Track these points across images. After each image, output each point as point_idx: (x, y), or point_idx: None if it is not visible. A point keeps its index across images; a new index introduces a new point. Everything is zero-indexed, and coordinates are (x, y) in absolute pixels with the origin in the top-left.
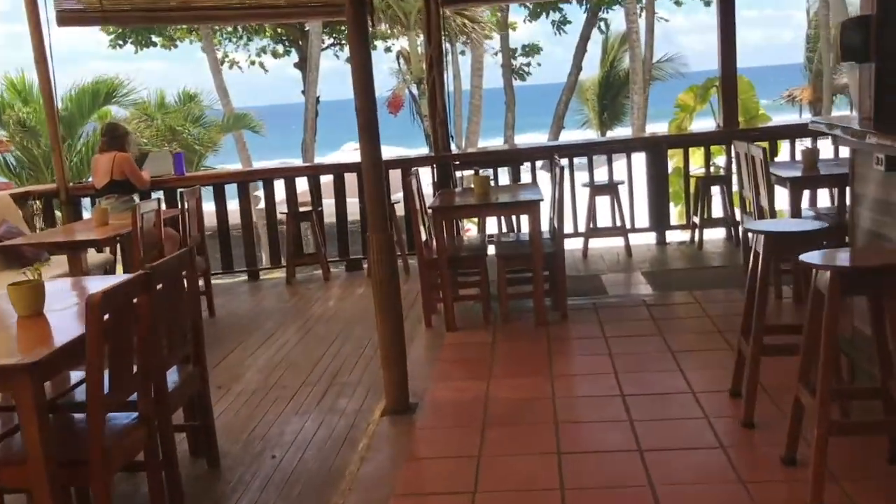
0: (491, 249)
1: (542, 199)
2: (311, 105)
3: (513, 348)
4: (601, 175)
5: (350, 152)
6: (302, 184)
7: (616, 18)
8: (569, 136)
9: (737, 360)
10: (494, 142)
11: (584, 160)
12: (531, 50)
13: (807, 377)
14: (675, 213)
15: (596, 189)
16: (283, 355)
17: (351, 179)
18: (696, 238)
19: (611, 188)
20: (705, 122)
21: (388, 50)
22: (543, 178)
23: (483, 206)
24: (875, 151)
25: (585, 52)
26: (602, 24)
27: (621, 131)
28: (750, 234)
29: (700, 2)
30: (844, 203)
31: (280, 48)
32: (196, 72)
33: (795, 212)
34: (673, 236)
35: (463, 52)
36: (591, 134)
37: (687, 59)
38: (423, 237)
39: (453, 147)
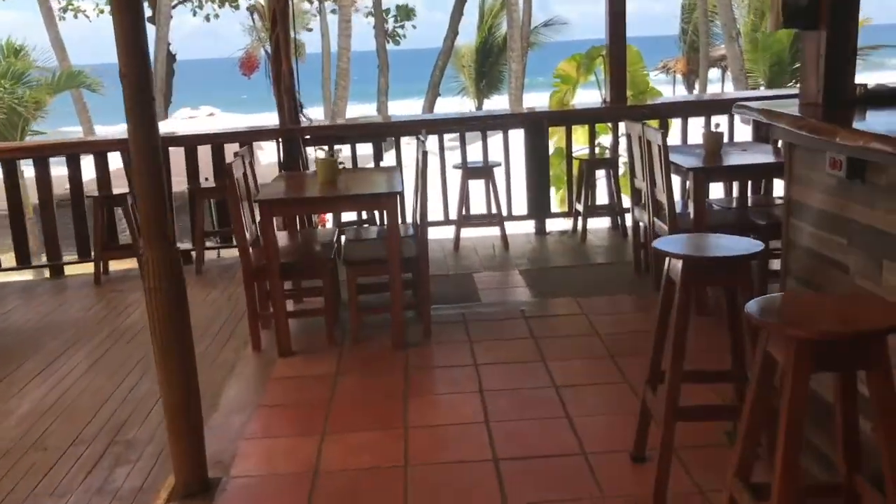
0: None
1: (400, 191)
2: (160, 64)
3: (360, 383)
4: (474, 154)
5: (182, 121)
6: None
7: None
8: (445, 104)
9: (639, 422)
10: (367, 108)
11: (455, 137)
12: (404, 13)
13: (746, 471)
14: (556, 199)
15: (469, 172)
16: (60, 395)
17: (178, 155)
18: (580, 227)
19: (486, 171)
20: (589, 96)
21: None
22: (412, 155)
23: (326, 199)
24: (830, 151)
25: (462, 15)
26: None
27: (499, 100)
28: (658, 250)
29: None
30: (749, 199)
31: None
32: (34, 24)
33: (699, 210)
34: (554, 225)
35: (335, 11)
36: (468, 104)
37: (568, 24)
38: (249, 237)
39: (303, 119)
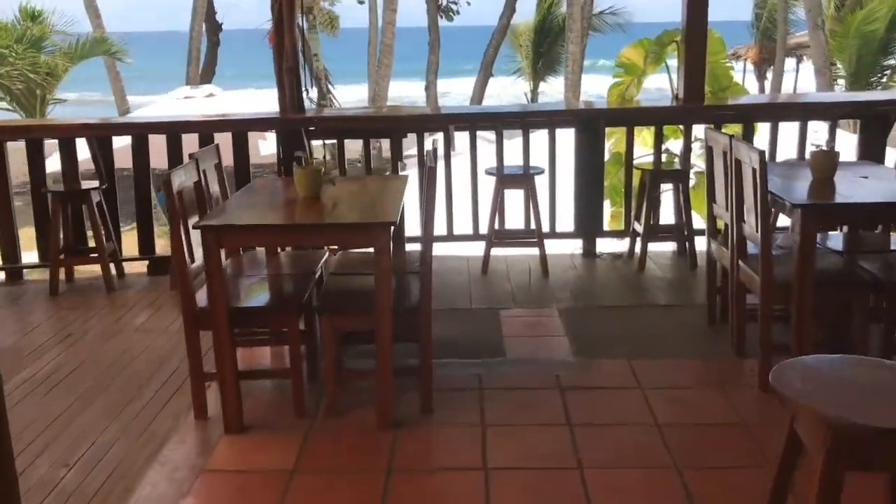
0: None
1: (395, 221)
2: (196, 33)
3: (321, 490)
4: (513, 156)
5: (175, 101)
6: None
7: None
8: (498, 84)
9: None
10: (416, 86)
11: (490, 135)
12: None
13: None
14: (610, 214)
15: (505, 179)
16: None
17: (159, 142)
18: (637, 251)
19: (525, 179)
20: (656, 86)
21: None
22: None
23: (291, 229)
24: None
25: None
26: None
27: (556, 83)
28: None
29: None
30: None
31: None
32: None
33: (805, 262)
34: (605, 246)
35: None
36: (522, 85)
37: (632, 13)
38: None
39: (309, 105)
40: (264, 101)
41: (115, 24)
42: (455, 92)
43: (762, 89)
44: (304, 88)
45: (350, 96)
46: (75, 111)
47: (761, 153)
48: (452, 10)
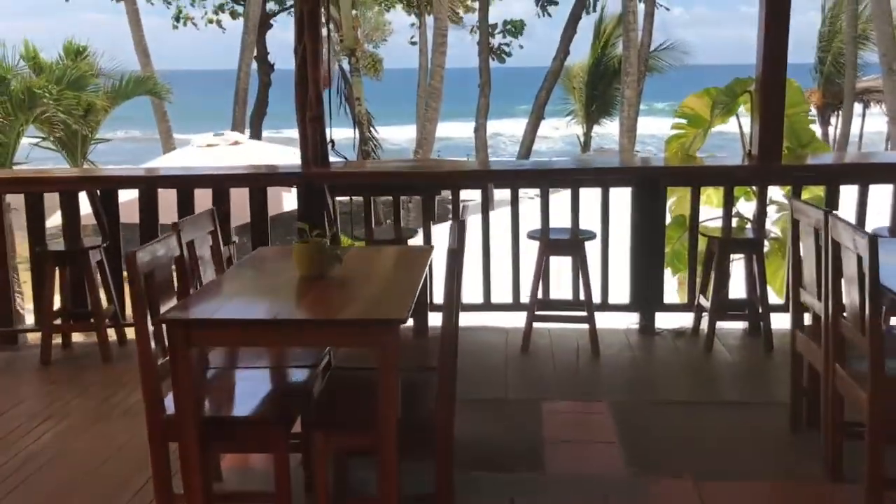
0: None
1: (404, 318)
2: (244, 73)
3: None
4: (560, 214)
5: (198, 150)
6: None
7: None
8: (550, 127)
9: None
10: (466, 127)
11: (533, 193)
12: (514, 28)
13: None
14: (673, 285)
15: (551, 245)
16: None
17: (171, 196)
18: (703, 329)
19: (573, 245)
20: (723, 141)
21: (283, 7)
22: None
23: (273, 326)
24: None
25: (575, 33)
26: (595, 2)
27: (611, 126)
28: None
29: None
30: None
31: (239, 7)
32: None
33: None
34: (666, 321)
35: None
36: (575, 128)
37: (690, 48)
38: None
39: (334, 158)
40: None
41: (169, 62)
42: (506, 133)
43: (825, 135)
44: (328, 140)
45: (400, 136)
46: (117, 151)
47: (872, 239)
48: (504, 52)
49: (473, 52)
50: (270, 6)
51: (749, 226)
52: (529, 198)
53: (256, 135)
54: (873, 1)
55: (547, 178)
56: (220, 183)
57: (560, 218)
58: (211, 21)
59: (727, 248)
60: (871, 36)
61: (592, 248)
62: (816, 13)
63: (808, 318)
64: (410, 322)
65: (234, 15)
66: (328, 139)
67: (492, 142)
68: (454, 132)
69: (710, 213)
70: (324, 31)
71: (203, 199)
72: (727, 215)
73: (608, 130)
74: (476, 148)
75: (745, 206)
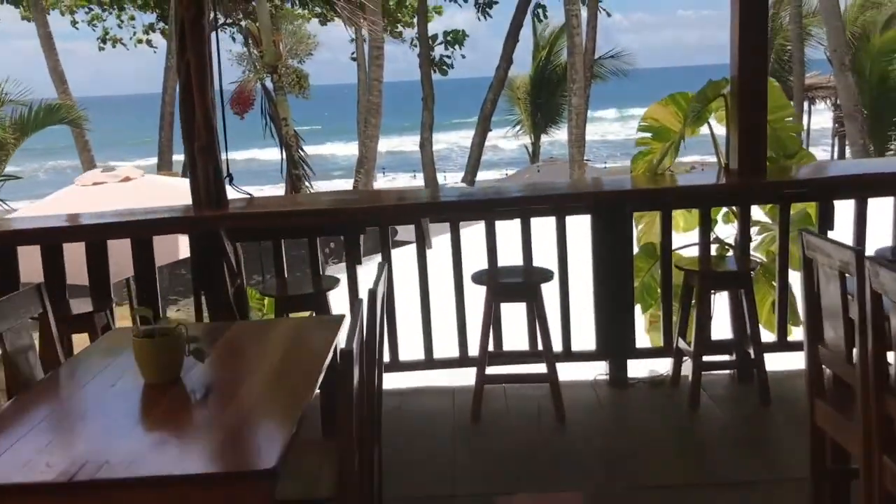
0: None
1: (274, 471)
2: (169, 97)
3: None
4: (509, 249)
5: (81, 190)
6: None
7: (552, 7)
8: (498, 137)
9: None
10: (411, 142)
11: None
12: (454, 38)
13: None
14: (644, 322)
15: (500, 290)
16: None
17: (31, 255)
18: (687, 378)
19: (527, 290)
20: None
21: (230, 24)
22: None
23: (70, 491)
24: None
25: (517, 42)
26: (539, 11)
27: (558, 134)
28: None
29: None
30: None
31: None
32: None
33: None
34: (640, 368)
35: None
36: (523, 139)
37: (633, 57)
38: None
39: (233, 193)
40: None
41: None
42: (459, 144)
43: None
44: (224, 175)
45: (348, 152)
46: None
47: None
48: (446, 64)
49: (415, 63)
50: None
51: (731, 254)
52: (471, 229)
53: (167, 166)
54: None
55: (492, 210)
56: (92, 234)
57: (509, 251)
58: (140, 41)
59: (708, 284)
60: (814, 32)
61: (550, 289)
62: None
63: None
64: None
65: (165, 34)
66: (224, 173)
67: (443, 154)
68: (406, 146)
69: (684, 238)
70: (234, 47)
71: (76, 255)
72: (705, 242)
73: (557, 138)
74: (422, 164)
75: (725, 230)
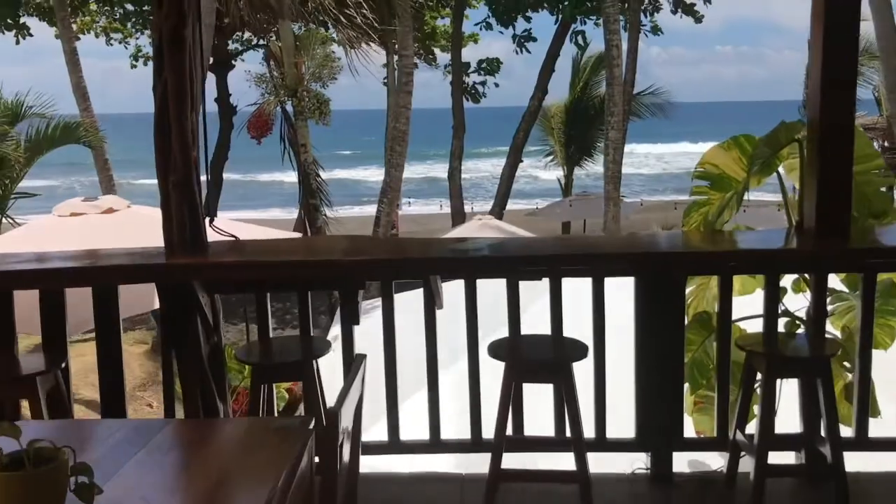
0: None
1: None
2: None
3: None
4: (535, 314)
5: (58, 221)
6: None
7: (593, 33)
8: (535, 167)
9: None
10: (440, 170)
11: (498, 286)
12: (489, 66)
13: None
14: (690, 406)
15: (523, 370)
16: None
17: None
18: (748, 475)
19: (555, 369)
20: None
21: (248, 46)
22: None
23: None
24: None
25: (553, 71)
26: (578, 37)
27: (591, 168)
28: None
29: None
30: None
31: None
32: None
33: None
34: (685, 461)
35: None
36: (556, 170)
37: (671, 90)
38: None
39: (215, 230)
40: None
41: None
42: (490, 174)
43: None
44: (203, 214)
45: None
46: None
47: None
48: (479, 93)
49: (446, 91)
50: (237, 45)
51: (802, 330)
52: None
53: (217, 181)
54: (879, 34)
55: (516, 269)
56: (44, 280)
57: (535, 313)
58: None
59: (777, 370)
60: (864, 71)
61: (583, 364)
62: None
63: None
64: None
65: None
66: (202, 213)
67: (476, 181)
68: (438, 172)
69: (741, 304)
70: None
71: (30, 304)
72: (771, 316)
73: (591, 171)
74: (450, 195)
75: (795, 300)
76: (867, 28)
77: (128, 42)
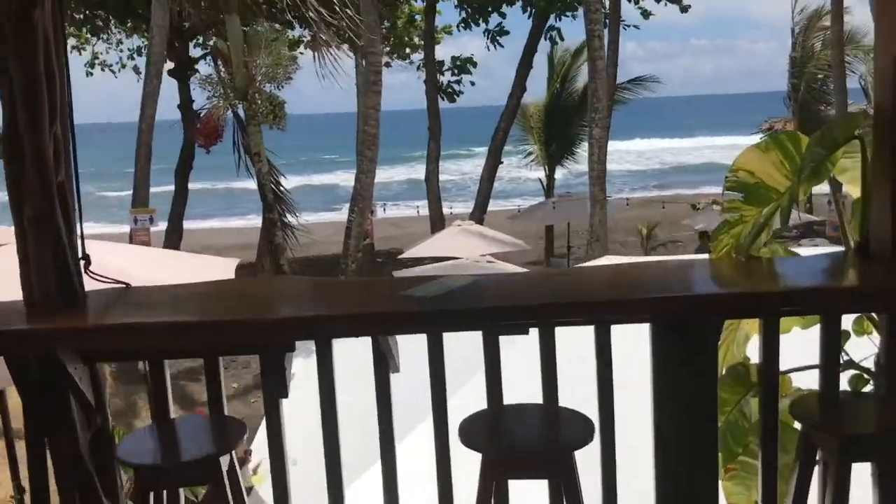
0: None
1: None
2: (146, 125)
3: None
4: (519, 375)
5: None
6: None
7: (569, 30)
8: (518, 166)
9: None
10: (416, 172)
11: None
12: (463, 65)
13: None
14: (724, 480)
15: (507, 463)
16: None
17: None
18: None
19: (550, 462)
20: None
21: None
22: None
23: None
24: None
25: (531, 68)
26: (555, 34)
27: (574, 166)
28: None
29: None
30: None
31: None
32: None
33: None
34: None
35: (388, 64)
36: (538, 172)
37: (662, 83)
38: None
39: (90, 276)
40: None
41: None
42: (470, 176)
43: None
44: (77, 256)
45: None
46: None
47: None
48: (455, 91)
49: (420, 91)
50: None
51: (871, 387)
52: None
53: (182, 191)
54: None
55: (492, 321)
56: None
57: (515, 359)
58: (124, 66)
59: (849, 452)
60: (851, 62)
61: (588, 457)
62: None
63: None
64: None
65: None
66: (75, 255)
67: (457, 183)
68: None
69: (783, 346)
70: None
71: None
72: (831, 373)
73: (573, 169)
74: (428, 200)
75: (859, 346)
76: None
77: (83, 48)
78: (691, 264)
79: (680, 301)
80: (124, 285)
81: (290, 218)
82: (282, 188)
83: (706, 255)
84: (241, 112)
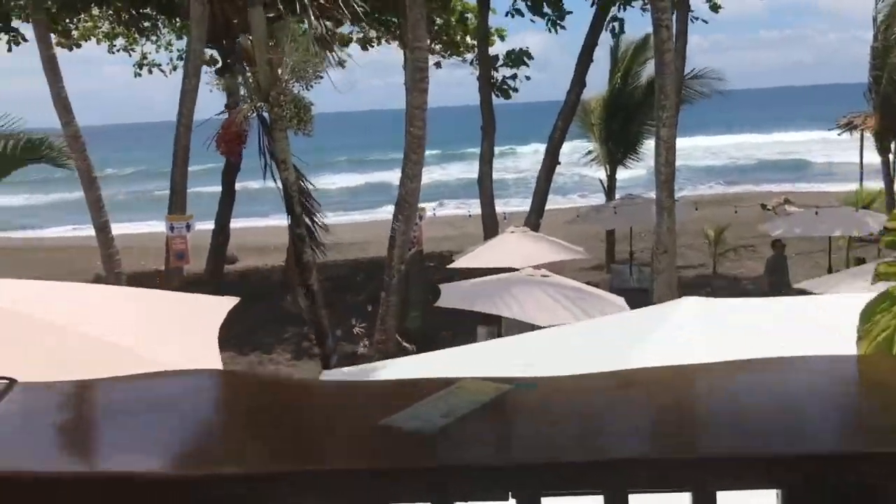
0: None
1: None
2: (184, 127)
3: None
4: None
5: None
6: None
7: (632, 20)
8: (570, 162)
9: None
10: (470, 170)
11: None
12: (519, 58)
13: None
14: None
15: None
16: None
17: None
18: None
19: None
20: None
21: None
22: None
23: None
24: None
25: (591, 61)
26: (616, 24)
27: (637, 167)
28: None
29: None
30: None
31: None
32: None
33: None
34: None
35: (438, 64)
36: (598, 171)
37: (724, 74)
38: None
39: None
40: None
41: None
42: (527, 171)
43: (886, 164)
44: None
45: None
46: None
47: None
48: (510, 87)
49: (473, 88)
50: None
51: None
52: None
53: (229, 192)
54: None
55: (537, 486)
56: None
57: None
58: (175, 67)
59: None
60: None
61: None
62: (845, 32)
63: None
64: None
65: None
66: None
67: (518, 180)
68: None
69: None
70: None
71: None
72: None
73: (635, 173)
74: (481, 202)
75: None
76: None
77: (133, 49)
78: (835, 375)
79: (822, 463)
80: (8, 381)
81: (319, 231)
82: (312, 200)
83: (852, 353)
84: (265, 115)
